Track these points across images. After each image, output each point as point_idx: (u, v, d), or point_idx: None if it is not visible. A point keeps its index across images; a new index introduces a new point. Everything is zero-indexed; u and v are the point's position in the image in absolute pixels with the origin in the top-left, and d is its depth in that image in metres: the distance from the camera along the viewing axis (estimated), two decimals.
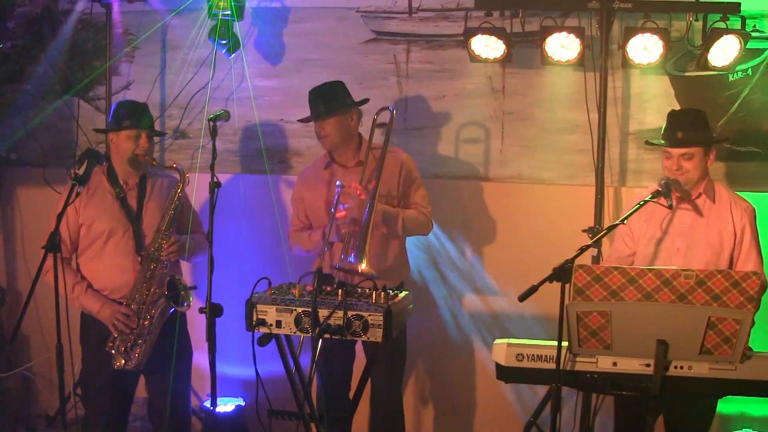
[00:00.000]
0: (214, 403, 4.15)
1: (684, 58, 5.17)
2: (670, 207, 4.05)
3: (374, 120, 4.73)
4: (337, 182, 4.48)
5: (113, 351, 4.38)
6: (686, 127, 4.19)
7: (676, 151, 4.17)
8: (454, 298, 5.54)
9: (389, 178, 4.68)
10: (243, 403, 5.63)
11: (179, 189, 4.48)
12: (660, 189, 4.04)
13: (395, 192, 4.72)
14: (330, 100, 4.67)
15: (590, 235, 4.80)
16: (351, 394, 4.68)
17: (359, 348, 4.78)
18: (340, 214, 4.41)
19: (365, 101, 4.82)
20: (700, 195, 4.24)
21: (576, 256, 3.62)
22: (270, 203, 5.74)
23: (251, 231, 5.77)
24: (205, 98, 5.73)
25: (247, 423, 5.59)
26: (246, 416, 5.58)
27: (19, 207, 6.16)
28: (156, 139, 4.97)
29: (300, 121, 4.86)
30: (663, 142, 4.24)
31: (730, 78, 5.14)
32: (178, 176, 4.50)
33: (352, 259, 4.11)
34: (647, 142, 4.58)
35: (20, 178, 6.08)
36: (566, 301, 3.55)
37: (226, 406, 5.58)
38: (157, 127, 5.78)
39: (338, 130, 4.68)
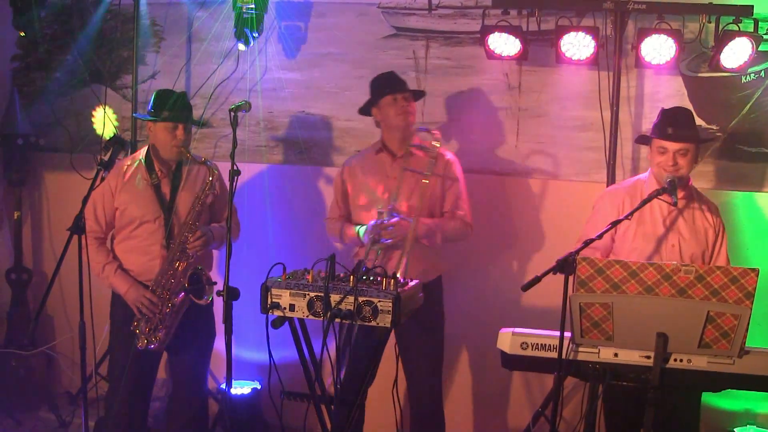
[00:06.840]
0: (229, 385, 4.24)
1: (697, 59, 5.22)
2: (674, 204, 4.10)
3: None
4: (378, 209, 4.58)
5: (137, 331, 4.48)
6: (682, 124, 4.22)
7: (674, 147, 4.17)
8: (464, 290, 5.58)
9: (433, 183, 4.69)
10: (259, 387, 5.76)
11: (207, 186, 4.52)
12: (665, 186, 4.08)
13: (438, 195, 4.77)
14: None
15: None
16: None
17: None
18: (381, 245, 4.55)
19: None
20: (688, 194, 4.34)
21: (580, 250, 3.72)
22: (291, 192, 5.87)
23: (272, 219, 5.88)
24: (228, 89, 5.87)
25: (262, 406, 5.72)
26: (262, 399, 5.70)
27: (46, 191, 6.32)
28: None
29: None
30: (664, 135, 4.21)
31: (743, 79, 5.18)
32: (207, 171, 4.54)
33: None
34: (640, 138, 4.51)
35: (48, 163, 6.21)
36: (569, 293, 3.64)
37: (242, 388, 5.71)
38: None
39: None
